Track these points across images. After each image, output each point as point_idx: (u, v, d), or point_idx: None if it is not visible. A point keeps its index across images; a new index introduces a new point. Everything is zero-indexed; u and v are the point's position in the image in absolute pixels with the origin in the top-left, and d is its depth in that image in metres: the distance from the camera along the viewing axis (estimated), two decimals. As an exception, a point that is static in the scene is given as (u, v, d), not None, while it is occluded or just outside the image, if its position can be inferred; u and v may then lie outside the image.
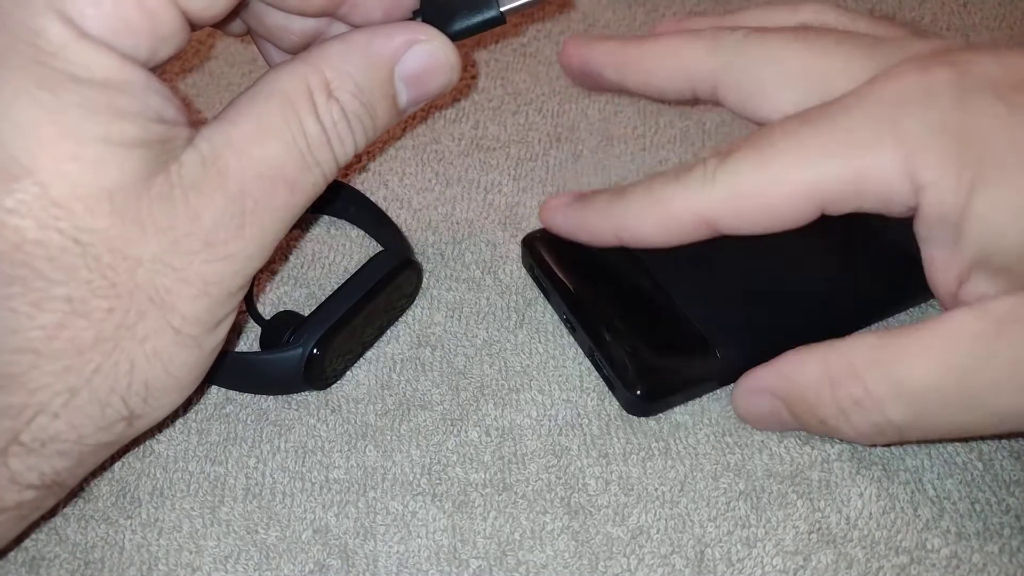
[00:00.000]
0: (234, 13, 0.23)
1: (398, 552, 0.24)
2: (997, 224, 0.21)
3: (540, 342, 0.28)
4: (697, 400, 0.27)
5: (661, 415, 0.26)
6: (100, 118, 0.18)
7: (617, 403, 0.26)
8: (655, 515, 0.24)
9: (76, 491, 0.24)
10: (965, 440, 0.25)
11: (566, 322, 0.28)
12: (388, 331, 0.29)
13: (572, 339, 0.28)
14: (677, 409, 0.26)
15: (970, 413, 0.21)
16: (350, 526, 0.24)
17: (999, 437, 0.25)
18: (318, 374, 0.26)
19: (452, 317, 0.29)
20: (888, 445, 0.25)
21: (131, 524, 0.24)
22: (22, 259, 0.18)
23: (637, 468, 0.25)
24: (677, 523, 0.24)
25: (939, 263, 0.22)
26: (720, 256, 0.26)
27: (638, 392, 0.25)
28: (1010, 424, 0.21)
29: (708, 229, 0.23)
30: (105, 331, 0.19)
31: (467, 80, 0.37)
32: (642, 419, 0.26)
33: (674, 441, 0.26)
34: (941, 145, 0.21)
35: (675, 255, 0.24)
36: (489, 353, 0.28)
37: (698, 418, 0.26)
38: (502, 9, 0.24)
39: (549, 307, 0.29)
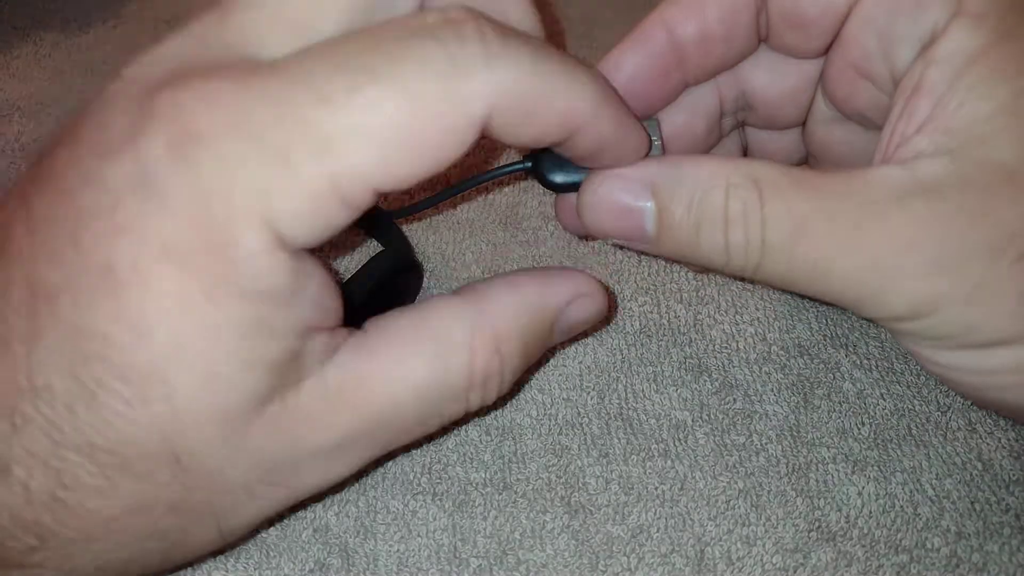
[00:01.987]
0: None
1: (398, 551, 0.24)
2: (986, 100, 0.19)
3: (540, 342, 0.28)
4: (697, 399, 0.27)
5: (662, 415, 0.26)
6: (250, 339, 0.18)
7: (617, 402, 0.27)
8: (655, 514, 0.24)
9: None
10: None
11: None
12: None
13: (572, 338, 0.28)
14: (677, 407, 0.26)
15: (837, 264, 0.20)
16: (350, 525, 0.24)
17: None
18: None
19: (452, 317, 0.29)
20: (732, 276, 0.25)
21: (131, 523, 0.24)
22: (118, 451, 0.18)
23: (637, 467, 0.25)
24: (677, 522, 0.24)
25: (910, 110, 0.20)
26: None
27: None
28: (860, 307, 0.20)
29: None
30: (159, 527, 0.19)
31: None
32: (642, 420, 0.26)
33: (674, 441, 0.26)
34: None
35: None
36: (489, 353, 0.28)
37: (697, 415, 0.26)
38: None
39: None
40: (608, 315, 0.26)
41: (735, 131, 0.28)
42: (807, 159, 0.28)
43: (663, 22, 0.24)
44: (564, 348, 0.28)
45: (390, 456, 0.25)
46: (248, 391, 0.18)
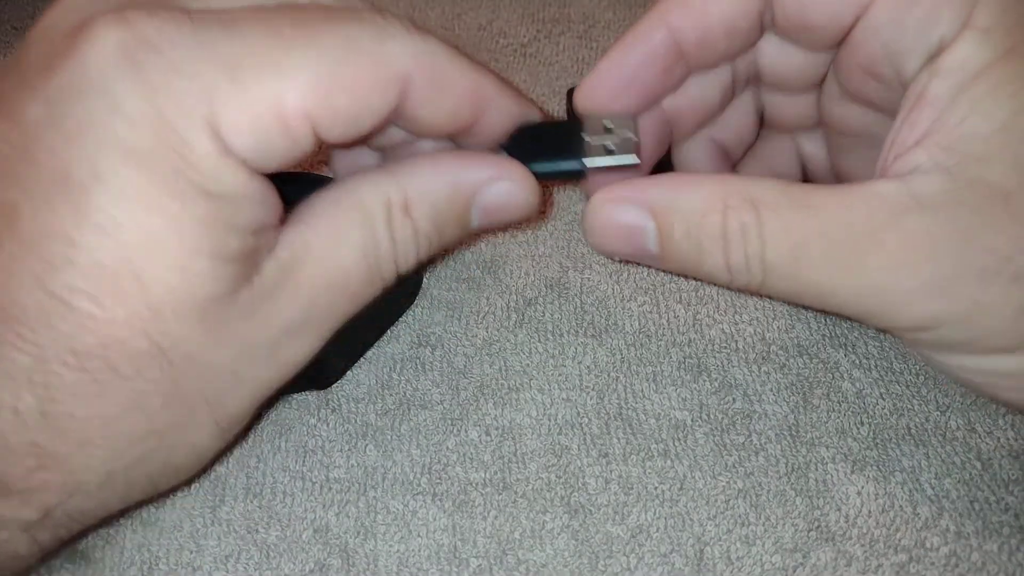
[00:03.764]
0: None
1: (398, 551, 0.24)
2: (986, 117, 0.19)
3: (540, 342, 0.28)
4: (696, 399, 0.27)
5: (662, 415, 0.26)
6: (214, 232, 0.19)
7: (616, 402, 0.27)
8: (654, 514, 0.24)
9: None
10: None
11: None
12: (388, 331, 0.29)
13: (572, 338, 0.28)
14: (676, 407, 0.26)
15: (838, 282, 0.20)
16: (350, 525, 0.24)
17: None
18: (319, 374, 0.26)
19: (452, 317, 0.29)
20: (738, 290, 0.26)
21: (131, 523, 0.24)
22: (102, 354, 0.18)
23: (636, 467, 0.25)
24: (676, 522, 0.24)
25: (911, 121, 0.20)
26: None
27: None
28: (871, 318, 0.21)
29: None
30: (156, 425, 0.20)
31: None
32: (642, 419, 0.26)
33: (673, 441, 0.26)
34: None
35: None
36: (489, 353, 0.28)
37: (696, 415, 0.26)
38: (586, 164, 0.24)
39: (549, 307, 0.29)
40: (543, 213, 0.25)
41: (748, 92, 0.27)
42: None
43: (664, 23, 0.23)
44: (564, 348, 0.28)
45: (384, 451, 0.25)
46: (219, 282, 0.19)
